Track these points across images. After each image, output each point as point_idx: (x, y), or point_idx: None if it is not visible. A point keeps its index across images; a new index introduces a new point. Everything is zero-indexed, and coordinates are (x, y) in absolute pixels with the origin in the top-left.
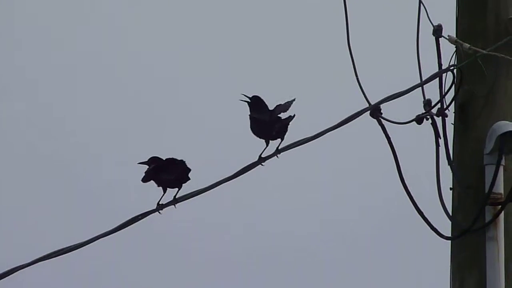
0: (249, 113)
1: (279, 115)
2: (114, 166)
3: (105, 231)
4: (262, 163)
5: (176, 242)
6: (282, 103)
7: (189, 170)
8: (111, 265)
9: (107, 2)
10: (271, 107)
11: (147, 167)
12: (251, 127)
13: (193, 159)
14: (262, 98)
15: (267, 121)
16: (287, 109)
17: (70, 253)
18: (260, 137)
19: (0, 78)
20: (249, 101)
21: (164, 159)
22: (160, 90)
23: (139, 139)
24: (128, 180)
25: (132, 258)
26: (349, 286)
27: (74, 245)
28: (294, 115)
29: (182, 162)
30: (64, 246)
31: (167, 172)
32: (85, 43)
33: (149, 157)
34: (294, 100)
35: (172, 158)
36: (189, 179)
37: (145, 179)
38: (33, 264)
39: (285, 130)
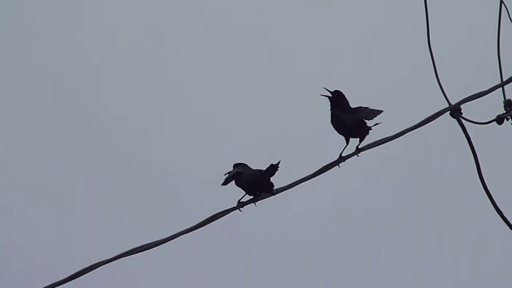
0: (330, 108)
1: (364, 119)
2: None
3: (184, 228)
4: (340, 164)
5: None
6: (367, 107)
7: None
8: (190, 261)
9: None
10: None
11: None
12: (332, 122)
13: (271, 158)
14: (343, 93)
15: (350, 123)
16: (372, 118)
17: (150, 249)
18: (340, 134)
19: None
20: (331, 96)
21: (247, 165)
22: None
23: (213, 137)
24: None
25: (210, 255)
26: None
27: (154, 241)
28: (381, 122)
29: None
30: (145, 243)
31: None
32: None
33: (234, 164)
34: (382, 111)
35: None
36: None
37: (225, 183)
38: (114, 260)
39: (367, 133)
